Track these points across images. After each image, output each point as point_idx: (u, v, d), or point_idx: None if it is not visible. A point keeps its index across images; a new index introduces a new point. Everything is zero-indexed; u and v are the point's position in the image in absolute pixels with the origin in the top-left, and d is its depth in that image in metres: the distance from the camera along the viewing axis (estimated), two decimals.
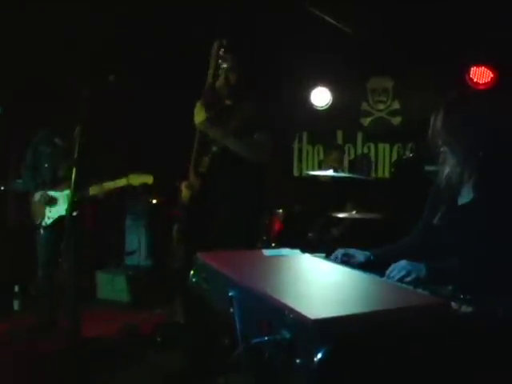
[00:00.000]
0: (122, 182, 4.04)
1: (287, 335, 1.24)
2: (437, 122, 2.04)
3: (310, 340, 1.18)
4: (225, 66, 3.02)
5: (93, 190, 4.00)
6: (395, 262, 2.30)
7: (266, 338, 1.30)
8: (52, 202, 4.13)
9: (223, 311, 1.64)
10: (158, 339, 3.95)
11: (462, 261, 2.07)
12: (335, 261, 2.12)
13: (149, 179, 4.07)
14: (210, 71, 3.03)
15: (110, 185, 4.01)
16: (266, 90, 3.46)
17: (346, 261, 2.13)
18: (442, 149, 2.05)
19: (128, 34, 5.19)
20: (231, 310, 1.55)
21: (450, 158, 2.05)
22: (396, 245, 2.31)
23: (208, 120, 3.00)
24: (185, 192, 3.14)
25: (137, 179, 4.05)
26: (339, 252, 2.18)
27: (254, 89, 3.13)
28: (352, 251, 2.17)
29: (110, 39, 5.19)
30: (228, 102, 3.13)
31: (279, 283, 1.62)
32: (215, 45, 3.02)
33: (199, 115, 3.01)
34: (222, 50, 3.00)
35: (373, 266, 2.10)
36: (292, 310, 1.25)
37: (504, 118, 2.07)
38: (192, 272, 2.06)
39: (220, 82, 3.06)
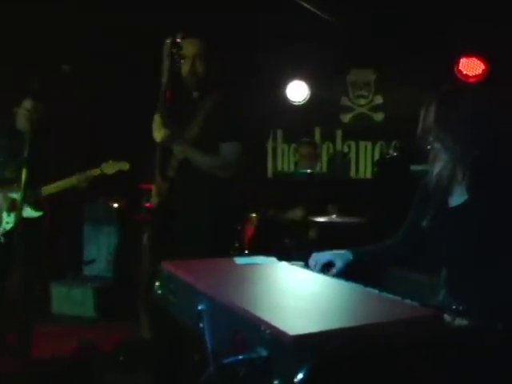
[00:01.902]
0: (95, 172, 3.95)
1: (264, 353, 1.22)
2: (428, 116, 2.03)
3: (290, 358, 1.16)
4: (183, 61, 2.98)
5: (47, 190, 3.89)
6: (376, 263, 2.29)
7: (240, 357, 1.28)
8: (13, 205, 3.98)
9: (192, 327, 1.62)
10: (120, 358, 3.89)
11: (451, 268, 2.08)
12: (312, 267, 2.10)
13: (125, 166, 4.00)
14: (165, 72, 2.98)
15: (67, 182, 3.91)
16: (235, 83, 3.42)
17: (326, 269, 2.11)
18: (432, 146, 2.04)
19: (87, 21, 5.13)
20: (201, 325, 1.53)
21: (442, 156, 2.04)
22: (378, 245, 2.30)
23: (169, 137, 2.96)
24: (153, 197, 3.10)
25: (111, 167, 3.97)
26: (316, 259, 2.15)
27: (223, 79, 3.10)
28: (328, 256, 2.15)
29: (69, 27, 5.12)
30: (196, 95, 3.09)
31: (254, 295, 1.60)
32: (167, 43, 2.96)
33: (158, 132, 2.96)
34: (177, 45, 2.95)
35: (354, 271, 2.09)
36: (269, 325, 1.23)
37: (501, 113, 2.07)
38: (157, 283, 2.03)
39: (186, 74, 3.02)
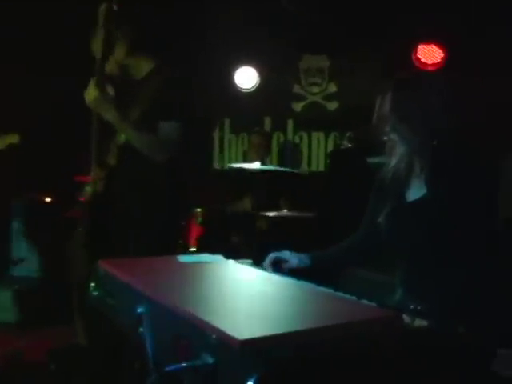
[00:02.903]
0: None
1: (210, 360, 1.20)
2: (384, 105, 2.04)
3: (238, 365, 1.14)
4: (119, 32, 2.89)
5: None
6: (336, 266, 2.31)
7: (184, 364, 1.25)
8: None
9: (131, 331, 1.58)
10: (52, 366, 3.80)
11: (408, 266, 2.10)
12: (266, 267, 2.09)
13: (13, 138, 3.89)
14: (100, 41, 2.85)
15: None
16: (179, 63, 3.36)
17: (277, 266, 2.10)
18: (389, 136, 2.05)
19: None
20: (140, 329, 1.50)
21: (399, 147, 2.05)
22: (336, 247, 2.31)
23: (101, 97, 2.79)
24: (87, 188, 3.03)
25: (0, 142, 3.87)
26: (270, 257, 2.14)
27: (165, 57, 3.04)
28: (285, 254, 2.15)
29: None
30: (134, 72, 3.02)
31: (199, 296, 1.57)
32: (102, 10, 2.81)
33: (91, 92, 2.79)
34: (112, 12, 2.82)
35: (309, 272, 2.09)
36: (215, 329, 1.21)
37: (460, 102, 2.09)
38: (93, 284, 1.98)
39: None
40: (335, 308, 1.49)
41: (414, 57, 5.15)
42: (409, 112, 1.98)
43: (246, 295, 1.62)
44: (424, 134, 1.98)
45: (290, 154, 6.37)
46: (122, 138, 2.95)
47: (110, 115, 2.81)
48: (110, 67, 2.94)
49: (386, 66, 4.77)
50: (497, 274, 2.01)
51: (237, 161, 6.48)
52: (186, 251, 4.30)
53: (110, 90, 2.92)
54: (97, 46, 2.87)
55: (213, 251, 2.23)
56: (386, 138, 2.07)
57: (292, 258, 2.14)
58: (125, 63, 2.98)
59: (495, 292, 2.02)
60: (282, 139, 6.43)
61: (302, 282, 1.82)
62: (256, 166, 4.67)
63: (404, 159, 2.06)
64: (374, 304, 1.56)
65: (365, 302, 1.59)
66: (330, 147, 6.17)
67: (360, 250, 2.30)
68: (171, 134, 2.87)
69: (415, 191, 2.06)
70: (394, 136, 2.03)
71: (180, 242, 4.39)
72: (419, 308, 1.58)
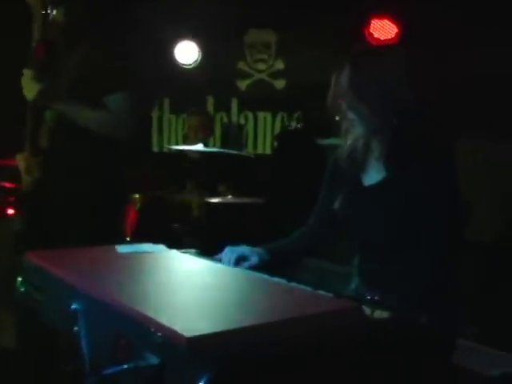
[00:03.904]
0: None
1: (154, 360, 1.19)
2: (340, 81, 2.02)
3: (186, 365, 1.12)
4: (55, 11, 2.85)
5: None
6: (293, 259, 2.30)
7: (126, 366, 1.23)
8: None
9: (65, 330, 1.56)
10: None
11: (365, 253, 2.11)
12: (227, 264, 2.05)
13: None
14: (36, 24, 2.83)
15: None
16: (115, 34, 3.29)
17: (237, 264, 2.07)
18: (345, 116, 2.03)
19: None
20: (75, 328, 1.47)
21: (356, 128, 2.03)
22: (291, 238, 2.29)
23: (44, 90, 2.81)
24: (23, 176, 2.97)
25: None
26: (229, 253, 2.09)
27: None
28: (243, 251, 2.11)
29: None
30: (71, 46, 2.96)
31: (141, 290, 1.55)
32: None
33: (29, 88, 2.81)
34: None
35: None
36: (160, 326, 1.19)
37: (421, 78, 2.09)
38: (19, 279, 1.93)
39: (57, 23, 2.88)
40: (292, 300, 1.49)
41: (367, 32, 5.19)
42: (368, 89, 1.97)
43: (193, 288, 1.61)
44: (384, 113, 1.97)
45: (234, 135, 6.35)
46: (53, 118, 2.91)
47: (58, 105, 2.84)
48: (50, 30, 2.90)
49: (337, 41, 4.77)
50: (458, 261, 2.04)
51: (177, 143, 6.43)
52: (123, 240, 4.24)
53: (46, 75, 2.87)
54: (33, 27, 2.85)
55: (152, 240, 2.21)
56: (341, 118, 2.05)
57: (253, 255, 2.11)
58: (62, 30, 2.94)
59: (456, 281, 2.05)
60: (225, 120, 6.41)
61: (252, 273, 1.83)
62: (198, 148, 4.64)
63: (361, 140, 2.05)
64: (331, 295, 1.56)
65: (321, 292, 1.59)
66: (278, 128, 6.19)
67: (316, 239, 2.29)
68: (123, 106, 2.86)
69: (373, 175, 2.07)
70: (351, 115, 2.01)
71: (118, 230, 4.34)
72: (376, 298, 1.58)
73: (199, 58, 6.12)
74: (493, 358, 2.33)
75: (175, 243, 2.22)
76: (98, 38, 2.97)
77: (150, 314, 1.25)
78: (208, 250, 2.22)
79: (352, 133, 2.06)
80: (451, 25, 4.58)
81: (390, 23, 5.17)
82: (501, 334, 3.09)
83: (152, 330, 1.20)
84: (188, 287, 1.62)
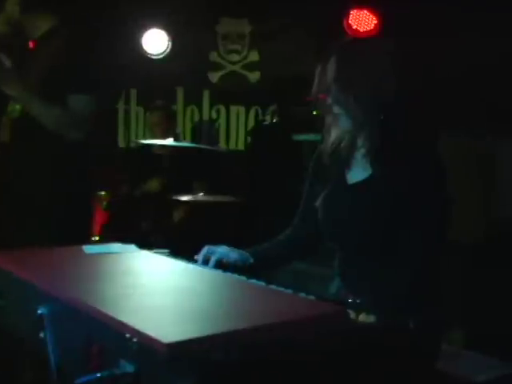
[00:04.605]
0: None
1: (130, 368, 1.17)
2: (326, 74, 2.02)
3: (164, 373, 1.12)
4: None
5: None
6: (276, 263, 2.29)
7: (98, 375, 1.20)
8: None
9: (30, 336, 1.55)
10: None
11: (347, 255, 2.11)
12: (207, 266, 2.03)
13: None
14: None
15: None
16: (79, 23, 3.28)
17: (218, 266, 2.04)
18: (330, 110, 2.03)
19: None
20: (41, 334, 1.44)
21: (341, 122, 2.03)
22: (276, 242, 2.28)
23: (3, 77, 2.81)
24: None
25: None
26: (208, 254, 2.06)
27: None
28: (225, 251, 2.08)
29: None
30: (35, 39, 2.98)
31: (113, 293, 1.53)
32: None
33: None
34: None
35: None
36: (135, 332, 1.17)
37: (408, 70, 2.10)
38: None
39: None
40: (273, 303, 1.49)
41: (345, 23, 5.20)
42: (355, 82, 1.97)
43: (169, 291, 1.60)
44: (371, 107, 1.97)
45: (205, 130, 6.33)
46: (15, 110, 2.91)
47: (12, 90, 2.83)
48: (1, 27, 2.88)
49: (314, 33, 4.79)
50: (443, 263, 2.04)
51: (145, 137, 6.39)
52: (90, 240, 4.21)
53: (5, 60, 2.87)
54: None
55: (120, 240, 2.20)
56: (326, 113, 2.05)
57: (235, 256, 2.08)
58: (18, 21, 2.94)
59: (440, 284, 2.06)
60: (196, 113, 6.39)
61: (230, 275, 1.82)
62: (168, 142, 4.62)
63: (346, 136, 2.05)
64: (313, 297, 1.57)
65: (303, 295, 1.59)
66: (251, 123, 6.20)
67: (302, 244, 2.30)
68: (83, 108, 2.89)
69: (358, 172, 2.07)
70: (336, 109, 2.01)
71: (83, 229, 4.31)
72: (358, 301, 1.58)
73: (169, 48, 6.08)
74: (477, 362, 2.36)
75: (144, 243, 2.22)
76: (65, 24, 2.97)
77: (125, 318, 1.24)
78: (181, 250, 2.20)
79: (336, 128, 2.06)
80: (432, 15, 4.62)
81: (369, 14, 5.19)
82: (485, 338, 3.13)
83: (127, 335, 1.18)
84: (164, 290, 1.61)
